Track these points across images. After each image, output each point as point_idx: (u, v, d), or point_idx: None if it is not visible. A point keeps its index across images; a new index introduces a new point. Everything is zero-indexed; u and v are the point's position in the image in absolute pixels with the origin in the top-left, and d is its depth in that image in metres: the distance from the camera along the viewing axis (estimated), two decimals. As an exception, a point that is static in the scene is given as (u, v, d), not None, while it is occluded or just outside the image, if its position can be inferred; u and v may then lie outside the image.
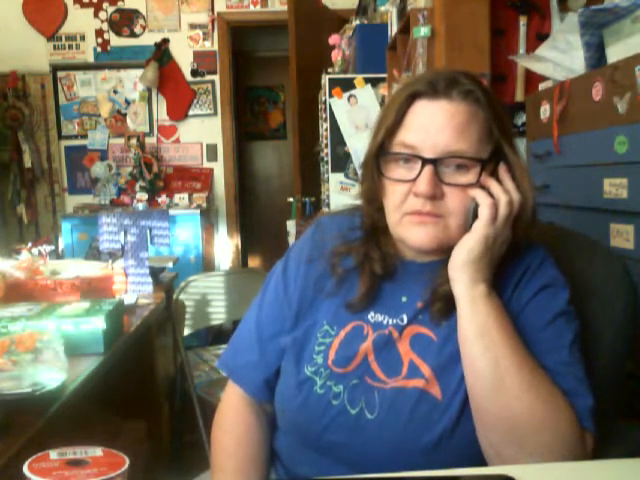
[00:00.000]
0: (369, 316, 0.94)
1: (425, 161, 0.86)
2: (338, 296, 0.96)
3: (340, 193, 3.11)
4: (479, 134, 0.87)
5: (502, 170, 0.89)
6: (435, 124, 0.87)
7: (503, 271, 0.91)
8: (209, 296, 2.44)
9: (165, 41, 4.86)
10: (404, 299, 0.94)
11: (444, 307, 0.90)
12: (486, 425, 0.83)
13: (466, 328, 0.85)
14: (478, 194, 0.86)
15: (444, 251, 0.90)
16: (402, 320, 0.93)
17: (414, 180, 0.87)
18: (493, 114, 0.89)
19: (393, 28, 2.84)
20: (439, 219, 0.88)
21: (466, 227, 0.88)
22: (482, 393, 0.83)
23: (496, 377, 0.82)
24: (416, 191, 0.87)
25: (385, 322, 0.93)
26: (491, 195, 0.87)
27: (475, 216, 0.87)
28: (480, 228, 0.86)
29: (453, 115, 0.86)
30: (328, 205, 3.17)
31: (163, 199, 4.66)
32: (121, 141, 4.90)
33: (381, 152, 0.91)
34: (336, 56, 3.34)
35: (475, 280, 0.86)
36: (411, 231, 0.89)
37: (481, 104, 0.88)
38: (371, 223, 0.97)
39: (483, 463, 0.84)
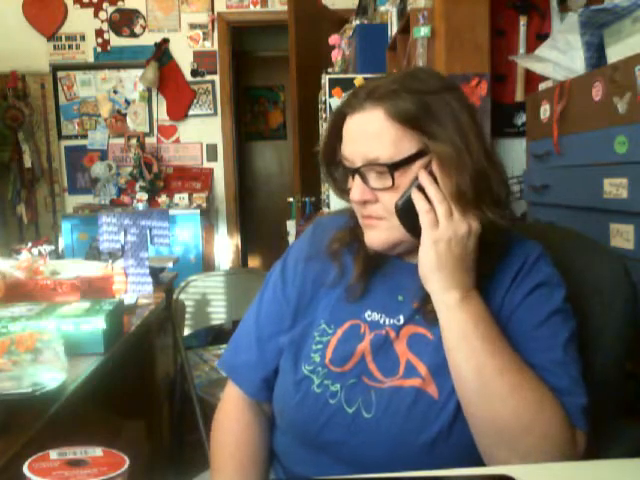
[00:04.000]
0: (366, 315, 0.95)
1: (353, 171, 0.91)
2: (338, 288, 0.97)
3: (340, 193, 3.09)
4: (391, 138, 0.87)
5: (434, 166, 0.87)
6: (354, 136, 0.91)
7: (496, 268, 0.91)
8: (209, 296, 2.43)
9: (165, 41, 4.86)
10: (400, 298, 0.95)
11: None
12: (476, 430, 0.84)
13: (447, 337, 0.86)
14: (417, 202, 0.86)
15: (409, 251, 0.92)
16: (399, 320, 0.93)
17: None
18: (417, 110, 0.86)
19: (393, 28, 2.84)
20: (382, 220, 0.91)
21: (404, 226, 0.89)
22: (468, 399, 0.83)
23: (480, 383, 0.82)
24: (350, 199, 0.93)
25: (382, 322, 0.94)
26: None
27: (400, 213, 0.88)
28: (426, 236, 0.86)
29: (365, 125, 0.89)
30: (328, 205, 3.17)
31: (163, 199, 4.66)
32: (121, 141, 4.90)
33: (329, 163, 0.99)
34: (336, 56, 3.34)
35: (445, 288, 0.86)
36: (365, 234, 0.94)
37: (394, 107, 0.86)
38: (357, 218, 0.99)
39: (481, 461, 0.84)
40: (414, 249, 0.92)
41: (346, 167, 0.93)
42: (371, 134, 0.88)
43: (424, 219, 0.86)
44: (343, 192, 0.99)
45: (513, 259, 0.92)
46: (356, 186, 0.90)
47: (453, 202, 0.86)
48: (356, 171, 0.90)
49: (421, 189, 0.87)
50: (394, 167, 0.87)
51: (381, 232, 0.91)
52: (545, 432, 0.81)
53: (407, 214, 0.88)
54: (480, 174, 0.87)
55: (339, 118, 0.94)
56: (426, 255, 0.86)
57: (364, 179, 0.90)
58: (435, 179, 0.87)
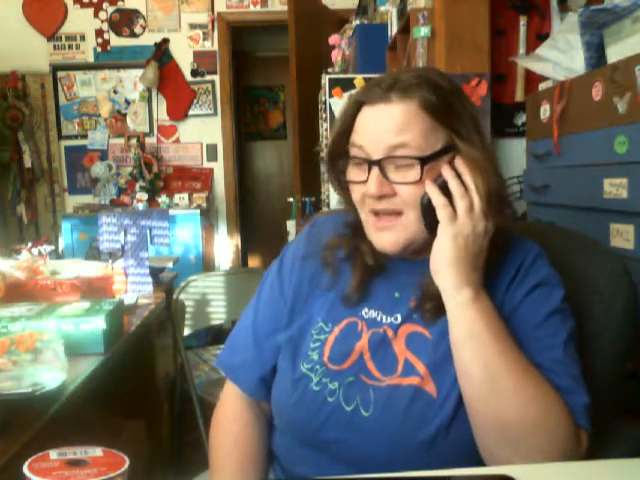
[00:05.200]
0: (363, 312, 0.95)
1: (371, 163, 0.88)
2: (333, 290, 0.97)
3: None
4: (422, 131, 0.87)
5: (460, 163, 0.88)
6: (376, 128, 0.88)
7: (496, 268, 0.91)
8: (209, 296, 2.43)
9: (165, 41, 4.86)
10: (397, 295, 0.95)
11: (435, 306, 0.90)
12: (479, 428, 0.83)
13: (455, 334, 0.86)
14: (433, 196, 0.86)
15: (419, 251, 0.91)
16: (396, 319, 0.93)
17: (366, 181, 0.89)
18: (443, 106, 0.87)
19: (393, 28, 2.84)
20: (397, 218, 0.89)
21: (424, 222, 0.88)
22: (474, 396, 0.83)
23: (487, 381, 0.82)
24: (366, 193, 0.89)
25: (379, 319, 0.94)
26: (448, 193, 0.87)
27: (424, 209, 0.87)
28: (443, 230, 0.86)
29: (391, 117, 0.87)
30: (328, 205, 3.17)
31: (163, 199, 4.66)
32: (121, 141, 4.90)
33: (335, 156, 0.95)
34: (336, 56, 3.34)
35: (458, 286, 0.85)
36: (375, 236, 0.92)
37: (424, 99, 0.87)
38: (356, 220, 0.97)
39: (481, 460, 0.84)
40: (420, 248, 0.92)
41: (359, 159, 0.90)
42: (396, 126, 0.86)
43: (441, 213, 0.86)
44: (344, 188, 0.97)
45: (511, 259, 0.93)
46: (374, 180, 0.88)
47: (481, 200, 0.86)
48: (375, 163, 0.88)
49: (443, 185, 0.87)
50: (425, 160, 0.86)
51: (394, 233, 0.90)
52: (548, 432, 0.81)
53: (431, 210, 0.87)
54: (495, 173, 0.88)
55: (354, 109, 0.92)
56: (443, 249, 0.86)
57: (383, 171, 0.88)
58: (458, 175, 0.87)
